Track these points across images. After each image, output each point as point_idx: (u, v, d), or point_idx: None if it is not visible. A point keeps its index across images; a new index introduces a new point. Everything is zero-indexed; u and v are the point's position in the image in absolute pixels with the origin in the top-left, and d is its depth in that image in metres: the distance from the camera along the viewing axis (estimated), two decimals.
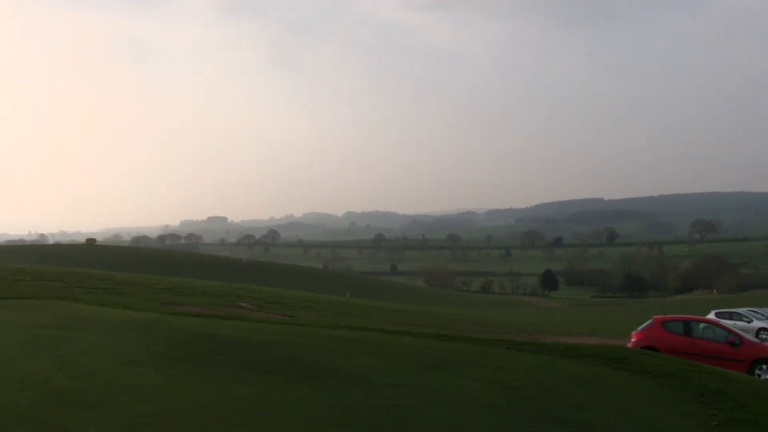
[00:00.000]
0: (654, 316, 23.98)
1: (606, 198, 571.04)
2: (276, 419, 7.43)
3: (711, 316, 41.13)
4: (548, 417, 8.16)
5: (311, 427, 7.22)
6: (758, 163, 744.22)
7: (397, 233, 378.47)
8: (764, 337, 40.70)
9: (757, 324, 43.48)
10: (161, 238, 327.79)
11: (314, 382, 9.37)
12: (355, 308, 44.39)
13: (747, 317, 44.55)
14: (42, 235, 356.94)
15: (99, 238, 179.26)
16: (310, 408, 7.94)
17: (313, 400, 8.34)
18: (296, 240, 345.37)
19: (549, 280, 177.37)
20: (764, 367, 20.99)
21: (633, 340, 22.76)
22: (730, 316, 43.69)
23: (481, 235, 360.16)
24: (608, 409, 8.71)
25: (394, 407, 8.22)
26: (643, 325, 23.44)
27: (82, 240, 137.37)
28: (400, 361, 11.48)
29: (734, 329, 23.70)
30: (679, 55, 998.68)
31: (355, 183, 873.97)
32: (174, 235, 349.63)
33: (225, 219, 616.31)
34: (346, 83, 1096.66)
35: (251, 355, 11.38)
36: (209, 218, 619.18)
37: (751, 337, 25.69)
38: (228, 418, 7.34)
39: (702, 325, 23.10)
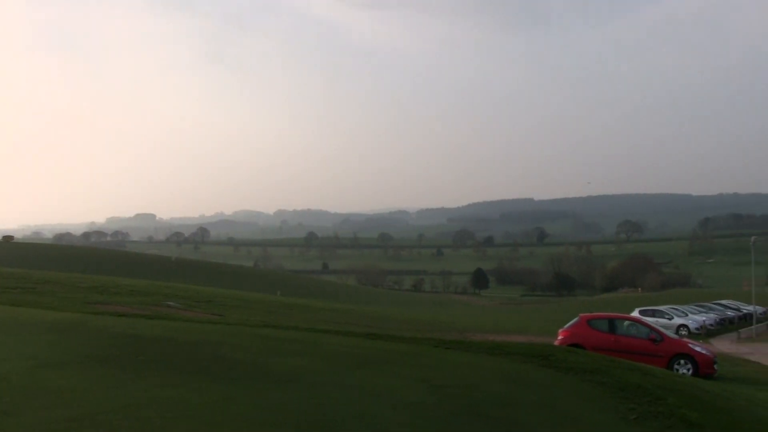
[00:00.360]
0: (580, 315, 24.50)
1: (536, 198, 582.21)
2: (199, 420, 7.27)
3: (635, 313, 42.34)
4: (474, 414, 8.21)
5: (235, 427, 7.09)
6: (681, 167, 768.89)
7: (329, 232, 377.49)
8: (684, 333, 42.06)
9: (677, 321, 44.95)
10: (86, 235, 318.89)
11: (240, 382, 9.22)
12: (285, 307, 44.08)
13: (668, 314, 46.04)
14: None
15: (17, 236, 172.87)
16: (234, 408, 7.80)
17: (238, 400, 8.20)
18: (227, 238, 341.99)
19: (480, 279, 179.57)
20: (682, 361, 21.68)
21: (560, 337, 23.22)
22: (653, 314, 45.09)
23: (413, 234, 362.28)
24: (532, 405, 8.82)
25: (320, 406, 8.15)
26: (570, 323, 23.94)
27: None
28: (327, 360, 11.42)
29: (656, 326, 24.42)
30: (608, 60, 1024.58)
31: (287, 181, 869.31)
32: (99, 233, 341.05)
33: (153, 216, 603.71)
34: (279, 80, 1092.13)
35: (176, 355, 11.14)
36: (137, 215, 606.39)
37: (671, 333, 26.51)
38: (150, 421, 7.14)
39: (626, 322, 23.75)
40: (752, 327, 48.71)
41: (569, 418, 8.40)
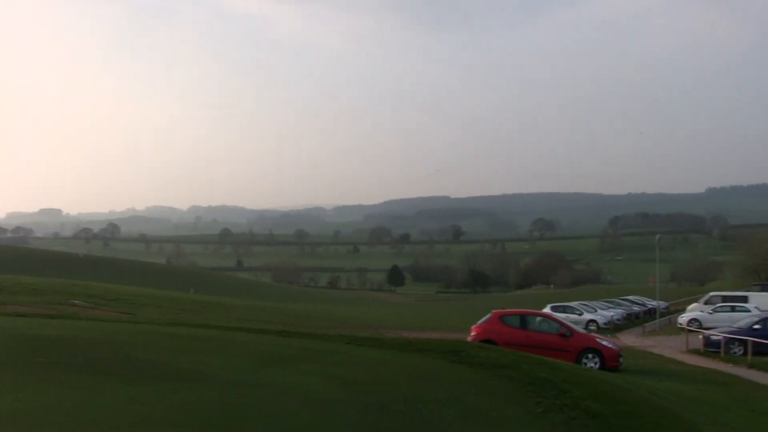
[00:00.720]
0: (492, 311, 24.89)
1: (452, 196, 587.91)
2: (102, 423, 7.04)
3: (547, 309, 43.26)
4: (384, 410, 8.23)
5: (138, 429, 6.90)
6: (593, 167, 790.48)
7: (244, 228, 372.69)
8: (593, 328, 43.25)
9: (587, 316, 46.19)
10: None
11: (145, 382, 8.98)
12: (197, 305, 43.38)
13: (578, 310, 47.24)
14: None
15: None
16: (138, 409, 7.58)
17: (142, 400, 7.98)
18: (138, 234, 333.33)
19: (396, 276, 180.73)
20: (590, 355, 22.30)
21: (473, 333, 23.51)
22: (564, 310, 46.17)
23: (329, 231, 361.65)
24: (442, 401, 8.89)
25: (228, 405, 8.02)
26: (482, 320, 24.27)
27: None
28: (237, 358, 11.26)
29: (566, 322, 25.03)
30: (524, 61, 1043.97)
31: (202, 176, 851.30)
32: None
33: (59, 211, 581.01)
34: (192, 72, 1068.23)
35: (80, 355, 10.76)
36: (41, 210, 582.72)
37: (580, 328, 27.23)
38: (47, 425, 6.87)
39: (538, 318, 24.27)
40: (656, 321, 50.52)
41: (477, 413, 8.51)
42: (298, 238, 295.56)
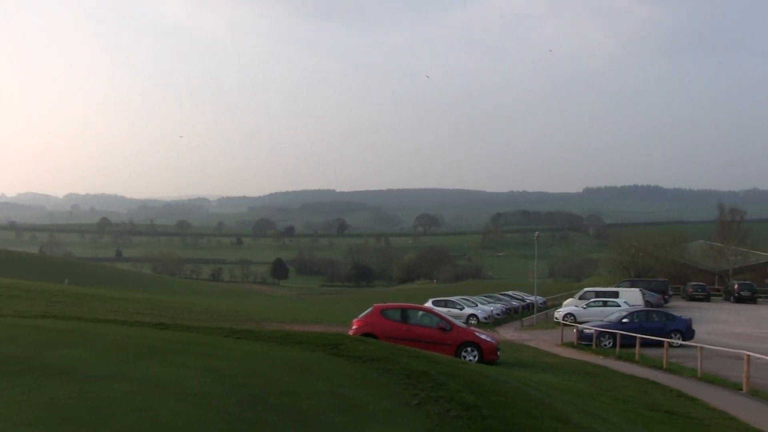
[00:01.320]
0: (374, 305, 25.05)
1: (338, 190, 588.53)
2: None
3: (428, 304, 43.93)
4: (259, 403, 8.13)
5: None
6: (476, 165, 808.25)
7: (124, 218, 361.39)
8: (473, 322, 44.20)
9: (468, 311, 47.16)
10: None
11: (9, 378, 8.55)
12: (71, 296, 41.69)
13: (459, 305, 48.16)
14: None
15: None
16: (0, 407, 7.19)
17: (6, 397, 7.58)
18: (8, 222, 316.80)
19: (279, 269, 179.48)
20: (469, 349, 22.78)
21: (354, 327, 23.61)
22: (445, 304, 46.96)
23: (212, 222, 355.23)
24: (318, 394, 8.86)
25: (97, 400, 7.73)
26: (364, 313, 24.39)
27: None
28: (109, 352, 10.88)
29: (447, 316, 25.49)
30: (415, 58, 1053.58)
31: (80, 163, 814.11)
32: None
33: None
34: (70, 51, 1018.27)
35: None
36: None
37: (460, 323, 27.79)
38: None
39: (419, 312, 24.55)
40: (534, 315, 52.25)
41: (354, 405, 8.52)
42: (181, 229, 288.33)
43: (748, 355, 21.23)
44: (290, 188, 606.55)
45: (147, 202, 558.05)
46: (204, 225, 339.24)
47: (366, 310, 24.80)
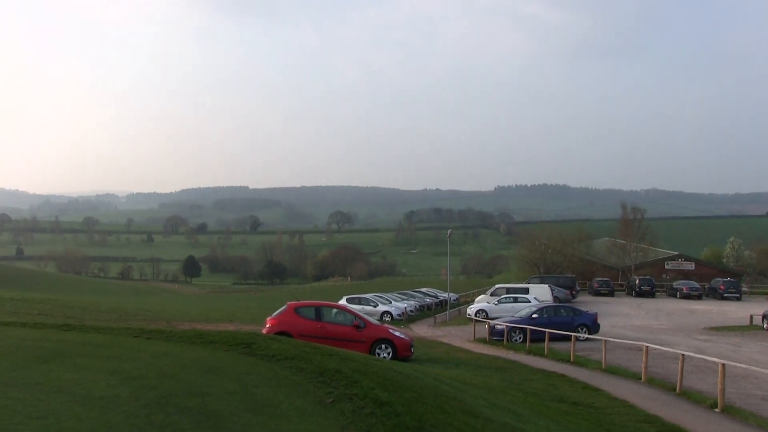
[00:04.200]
0: (288, 303, 24.86)
1: (251, 186, 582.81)
2: None
3: (342, 301, 43.93)
4: (169, 405, 7.91)
5: None
6: (389, 162, 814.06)
7: (26, 214, 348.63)
8: (387, 319, 44.46)
9: (381, 308, 47.36)
10: None
11: None
12: None
13: (373, 302, 48.33)
14: None
15: None
16: None
17: None
18: None
19: (191, 267, 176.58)
20: (383, 346, 22.91)
21: (267, 326, 23.42)
22: (359, 302, 47.05)
23: (121, 219, 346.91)
24: (230, 394, 8.70)
25: None
26: (278, 311, 24.20)
27: None
28: (6, 356, 10.38)
29: (360, 313, 25.51)
30: (331, 56, 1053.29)
31: None
32: None
33: None
34: None
35: None
36: None
37: (374, 320, 27.87)
38: None
39: (333, 310, 24.49)
40: (446, 312, 52.89)
41: (267, 405, 8.40)
42: (87, 226, 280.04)
43: (647, 347, 22.71)
44: (202, 184, 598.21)
45: (51, 197, 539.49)
46: (112, 222, 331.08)
47: (280, 308, 24.60)
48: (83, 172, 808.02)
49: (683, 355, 20.17)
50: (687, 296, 68.55)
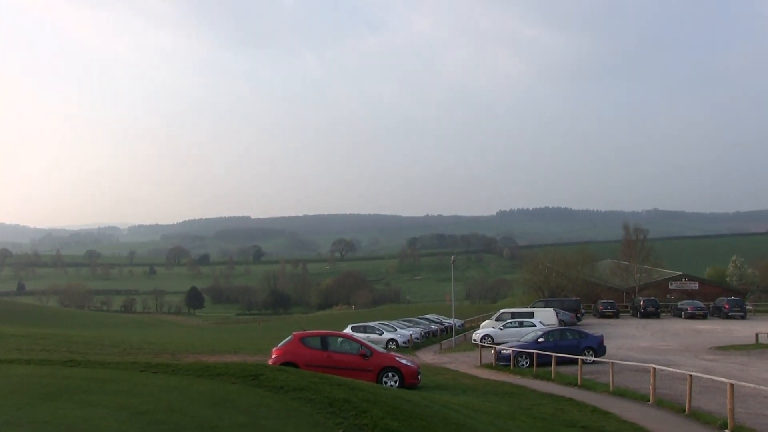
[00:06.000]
0: (293, 333, 24.76)
1: (253, 216, 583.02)
2: None
3: (348, 330, 43.71)
4: None
5: None
6: (391, 189, 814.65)
7: (27, 248, 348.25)
8: (393, 347, 44.24)
9: (387, 336, 47.12)
10: None
11: None
12: None
13: (379, 330, 48.09)
14: None
15: None
16: None
17: None
18: None
19: (194, 298, 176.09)
20: (390, 374, 22.76)
21: (273, 356, 23.29)
22: (365, 330, 46.81)
23: (123, 251, 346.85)
24: (239, 427, 8.64)
25: None
26: (283, 342, 24.10)
27: None
28: (12, 394, 10.29)
29: (366, 342, 25.39)
30: (327, 84, 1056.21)
31: None
32: None
33: None
34: None
35: None
36: None
37: (380, 348, 27.75)
38: None
39: (339, 339, 24.38)
40: (452, 338, 52.64)
41: None
42: (89, 259, 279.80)
43: (654, 368, 22.56)
44: (204, 215, 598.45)
45: (53, 231, 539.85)
46: (114, 254, 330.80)
47: (285, 338, 24.50)
48: (84, 205, 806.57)
49: (691, 375, 20.05)
50: (692, 316, 68.19)
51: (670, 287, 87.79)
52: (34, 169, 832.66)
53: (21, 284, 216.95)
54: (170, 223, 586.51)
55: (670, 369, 23.64)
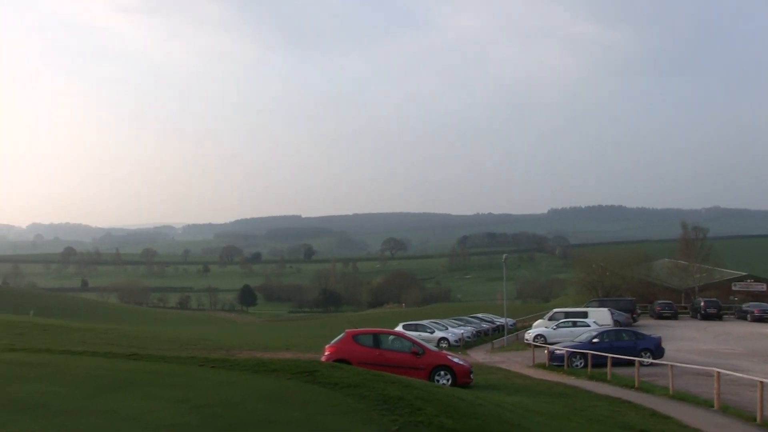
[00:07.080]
0: (346, 330, 24.90)
1: (304, 216, 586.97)
2: None
3: (399, 328, 43.76)
4: None
5: None
6: (441, 188, 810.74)
7: (89, 247, 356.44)
8: (444, 345, 44.12)
9: (438, 334, 47.03)
10: None
11: None
12: (38, 328, 40.87)
13: (430, 328, 48.02)
14: None
15: None
16: None
17: None
18: None
19: (247, 296, 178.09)
20: (442, 372, 22.73)
21: (326, 353, 23.43)
22: (416, 328, 46.79)
23: (178, 250, 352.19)
24: (294, 422, 8.75)
25: None
26: (336, 339, 24.25)
27: None
28: (80, 384, 10.64)
29: (418, 340, 25.40)
30: (373, 83, 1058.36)
31: (43, 192, 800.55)
32: None
33: None
34: (40, 84, 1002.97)
35: None
36: None
37: (432, 346, 27.72)
38: None
39: (390, 337, 24.46)
40: (504, 337, 52.34)
41: None
42: (146, 258, 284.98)
43: (718, 372, 21.22)
44: (256, 214, 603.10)
45: (112, 230, 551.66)
46: (170, 253, 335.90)
47: (337, 336, 24.65)
48: (141, 206, 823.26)
49: (761, 382, 18.63)
50: (759, 319, 65.36)
51: (733, 288, 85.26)
52: (96, 170, 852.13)
53: (84, 281, 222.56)
54: (223, 222, 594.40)
55: (737, 374, 22.41)
